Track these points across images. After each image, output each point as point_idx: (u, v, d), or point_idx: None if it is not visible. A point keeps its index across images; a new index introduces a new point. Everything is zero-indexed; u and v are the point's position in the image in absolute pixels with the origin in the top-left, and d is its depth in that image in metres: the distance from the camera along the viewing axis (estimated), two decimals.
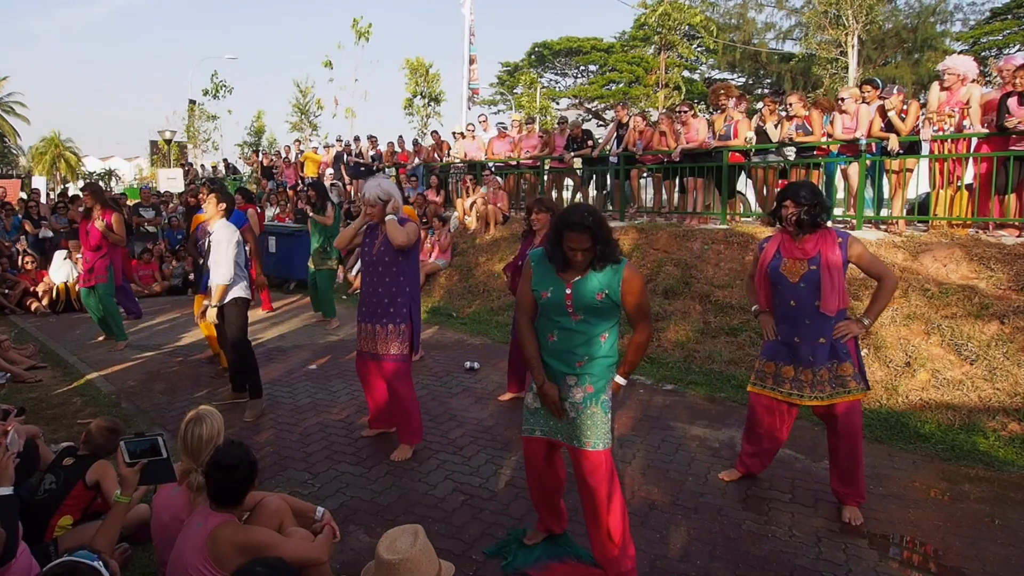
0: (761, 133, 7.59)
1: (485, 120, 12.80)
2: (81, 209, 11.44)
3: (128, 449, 2.60)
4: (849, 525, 3.24)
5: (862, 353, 5.22)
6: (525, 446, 2.91)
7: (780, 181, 7.92)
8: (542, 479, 2.92)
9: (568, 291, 2.64)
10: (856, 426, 3.28)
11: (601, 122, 30.06)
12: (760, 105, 7.98)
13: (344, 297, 9.18)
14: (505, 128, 11.40)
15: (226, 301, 4.65)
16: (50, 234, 11.02)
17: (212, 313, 4.60)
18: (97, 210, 6.67)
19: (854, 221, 7.02)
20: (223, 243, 4.59)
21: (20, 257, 9.90)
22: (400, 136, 14.03)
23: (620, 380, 2.72)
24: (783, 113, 7.67)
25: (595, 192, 10.40)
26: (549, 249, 2.68)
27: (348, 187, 13.70)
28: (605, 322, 2.67)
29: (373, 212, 3.97)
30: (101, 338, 7.15)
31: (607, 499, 2.65)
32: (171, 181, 16.60)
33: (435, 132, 13.65)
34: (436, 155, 12.73)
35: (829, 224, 3.34)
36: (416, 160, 12.85)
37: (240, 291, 4.70)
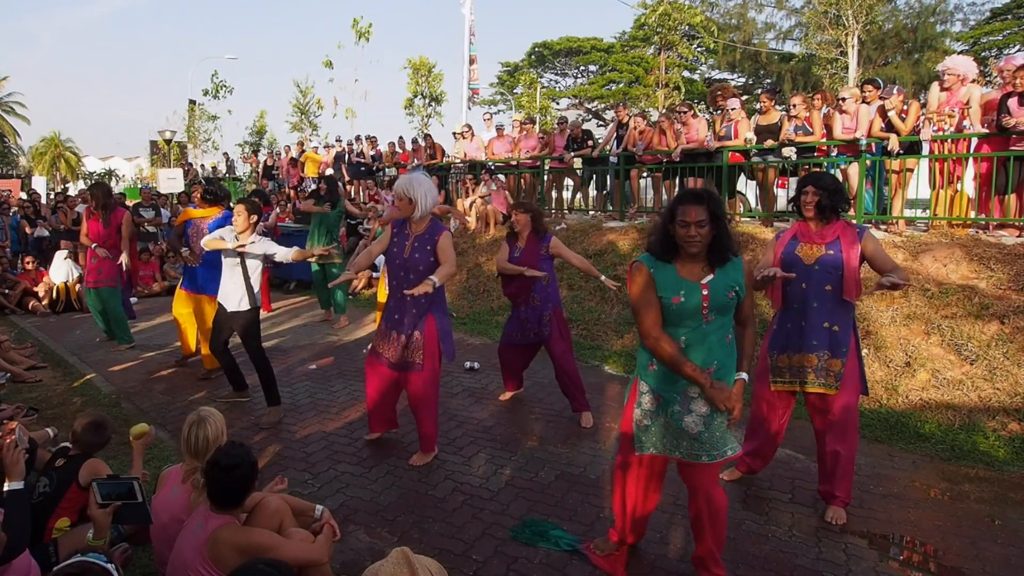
0: (760, 132, 7.59)
1: (490, 118, 12.78)
2: (78, 208, 11.50)
3: (101, 492, 2.58)
4: (833, 524, 3.24)
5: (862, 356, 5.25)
6: (634, 464, 2.74)
7: (780, 180, 7.94)
8: (646, 496, 2.79)
9: (705, 292, 2.48)
10: (848, 429, 3.25)
11: (601, 122, 30.07)
12: (759, 105, 7.99)
13: (350, 297, 9.15)
14: (502, 127, 11.41)
15: (240, 309, 4.63)
16: (45, 233, 11.01)
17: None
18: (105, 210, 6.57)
19: (854, 221, 7.01)
20: (258, 260, 4.62)
21: (19, 258, 9.91)
22: (400, 136, 14.04)
23: (744, 376, 2.59)
24: (780, 109, 7.68)
25: (595, 192, 10.40)
26: (656, 240, 2.54)
27: (348, 187, 13.70)
28: (728, 322, 2.57)
29: (400, 206, 3.86)
30: (98, 340, 7.13)
31: (721, 510, 2.65)
32: (171, 181, 16.57)
33: (428, 136, 13.65)
34: (429, 155, 12.70)
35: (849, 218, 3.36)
36: (416, 160, 12.85)
37: (255, 301, 4.67)
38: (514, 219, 4.74)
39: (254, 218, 4.66)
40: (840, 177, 7.34)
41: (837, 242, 3.19)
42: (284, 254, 4.70)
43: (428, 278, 3.63)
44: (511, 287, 4.73)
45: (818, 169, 7.22)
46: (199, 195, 6.02)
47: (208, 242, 4.72)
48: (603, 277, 4.65)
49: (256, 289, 4.68)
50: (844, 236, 3.20)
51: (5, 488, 2.45)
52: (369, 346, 4.16)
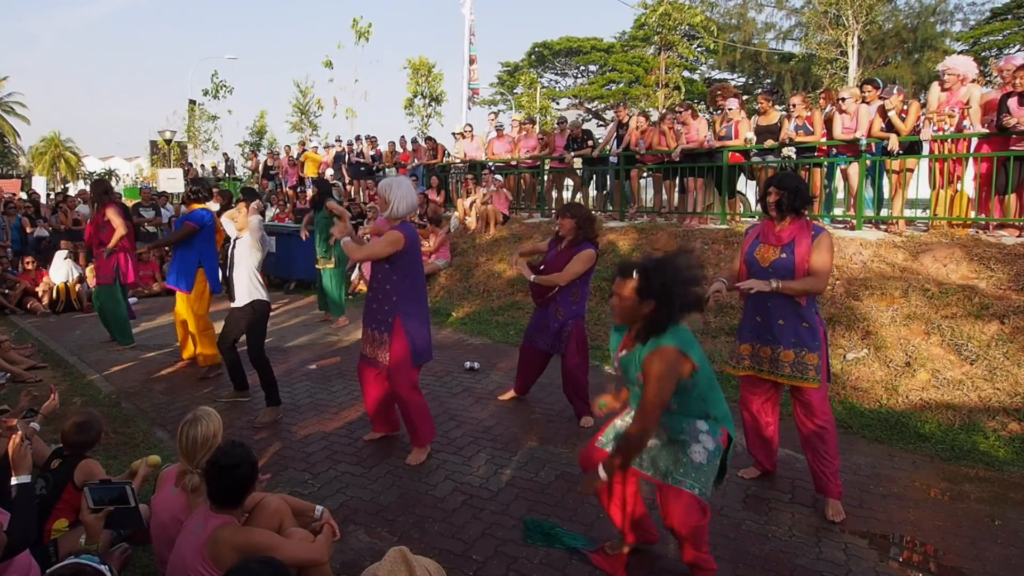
0: (760, 132, 7.59)
1: (495, 117, 12.79)
2: (78, 208, 11.50)
3: (93, 497, 2.59)
4: (836, 522, 3.26)
5: (850, 356, 5.25)
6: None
7: None
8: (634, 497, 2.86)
9: (616, 363, 2.63)
10: (823, 417, 3.33)
11: (601, 122, 30.07)
12: (758, 105, 7.99)
13: (349, 297, 9.15)
14: (501, 127, 11.41)
15: (243, 304, 4.66)
16: (45, 234, 11.01)
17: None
18: (94, 207, 6.59)
19: (854, 221, 7.02)
20: (246, 253, 4.64)
21: (19, 260, 9.90)
22: (401, 136, 14.05)
23: (601, 473, 2.52)
24: (780, 109, 7.68)
25: (595, 192, 10.41)
26: None
27: (348, 187, 13.70)
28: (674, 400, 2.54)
29: (378, 202, 3.94)
30: (101, 341, 7.11)
31: (681, 538, 2.62)
32: (171, 181, 16.60)
33: (430, 138, 13.68)
34: (432, 156, 12.71)
35: (825, 223, 3.40)
36: (416, 160, 12.86)
37: (257, 295, 4.69)
38: (560, 223, 4.52)
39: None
40: (840, 177, 7.36)
41: (792, 244, 3.28)
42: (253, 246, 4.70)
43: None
44: (533, 287, 4.66)
45: (819, 169, 7.23)
46: (187, 193, 6.10)
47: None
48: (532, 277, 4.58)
49: (252, 285, 4.66)
50: (800, 238, 3.27)
51: (13, 482, 2.47)
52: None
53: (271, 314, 7.86)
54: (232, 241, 4.75)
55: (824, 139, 7.13)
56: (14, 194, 13.38)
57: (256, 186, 16.79)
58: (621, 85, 30.32)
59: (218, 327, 6.50)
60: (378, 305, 3.89)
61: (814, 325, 3.30)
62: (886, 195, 7.13)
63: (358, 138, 14.49)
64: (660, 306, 2.40)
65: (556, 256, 4.54)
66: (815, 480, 3.43)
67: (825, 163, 7.22)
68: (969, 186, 6.51)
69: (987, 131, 6.08)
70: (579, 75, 34.50)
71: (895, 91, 6.83)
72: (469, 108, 18.59)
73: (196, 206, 5.90)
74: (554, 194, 10.79)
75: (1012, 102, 5.74)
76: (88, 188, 6.96)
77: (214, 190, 10.09)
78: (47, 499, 2.91)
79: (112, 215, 6.53)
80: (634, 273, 2.44)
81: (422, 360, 3.97)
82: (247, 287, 4.66)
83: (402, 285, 3.84)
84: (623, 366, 2.58)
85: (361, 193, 13.27)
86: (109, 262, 6.58)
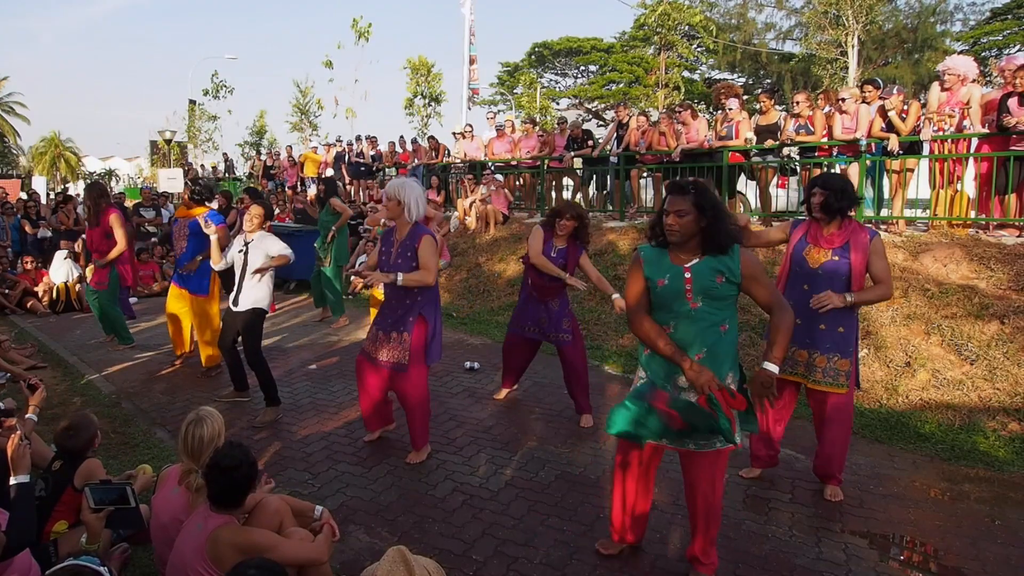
0: (760, 132, 7.59)
1: (494, 117, 12.77)
2: (78, 209, 11.48)
3: (94, 497, 2.60)
4: (834, 502, 3.42)
5: (859, 354, 5.25)
6: (634, 460, 2.78)
7: (780, 180, 7.95)
8: (644, 493, 2.85)
9: (687, 275, 2.53)
10: (846, 418, 3.41)
11: (601, 122, 30.05)
12: (759, 105, 7.99)
13: (348, 297, 9.13)
14: (502, 127, 11.41)
15: (244, 309, 4.69)
16: (48, 234, 11.01)
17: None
18: (92, 212, 6.52)
19: (868, 225, 7.01)
20: (260, 258, 4.74)
21: (19, 260, 9.91)
22: (401, 136, 14.05)
23: (772, 367, 2.53)
24: (780, 109, 7.68)
25: (595, 192, 10.41)
26: (654, 226, 2.63)
27: (348, 187, 13.70)
28: (724, 310, 2.54)
29: (388, 207, 3.87)
30: (98, 340, 7.10)
31: (712, 506, 2.66)
32: (171, 181, 16.61)
33: (431, 137, 13.68)
34: (433, 155, 12.72)
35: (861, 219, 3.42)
36: (416, 160, 12.86)
37: (260, 302, 4.73)
38: (560, 224, 4.52)
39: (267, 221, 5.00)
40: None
41: (846, 248, 3.24)
42: (280, 249, 4.86)
43: (395, 274, 3.70)
44: (540, 279, 4.61)
45: (819, 169, 7.23)
46: (187, 195, 6.02)
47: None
48: (615, 295, 4.46)
49: (262, 291, 4.75)
50: (855, 241, 3.23)
51: (12, 482, 2.47)
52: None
53: (272, 314, 7.88)
54: (244, 244, 4.80)
55: (824, 139, 7.13)
56: (7, 192, 13.33)
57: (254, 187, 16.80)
58: (621, 85, 30.30)
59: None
60: (405, 311, 3.85)
61: (850, 330, 3.29)
62: (886, 195, 7.13)
63: (358, 138, 14.49)
64: (715, 218, 2.48)
65: (569, 255, 4.58)
66: (818, 467, 3.52)
67: (825, 163, 7.21)
68: (969, 186, 6.51)
69: (987, 131, 6.08)
70: (579, 75, 34.48)
71: (895, 91, 6.83)
72: (469, 108, 18.63)
73: (201, 209, 5.79)
74: (554, 194, 10.80)
75: (1012, 102, 5.74)
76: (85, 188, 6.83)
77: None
78: (47, 501, 2.91)
79: (116, 224, 6.34)
80: (689, 188, 2.52)
81: (434, 359, 3.97)
82: (254, 293, 4.71)
83: (432, 287, 3.88)
84: (696, 273, 2.53)
85: (361, 193, 13.27)
86: (106, 268, 6.55)
